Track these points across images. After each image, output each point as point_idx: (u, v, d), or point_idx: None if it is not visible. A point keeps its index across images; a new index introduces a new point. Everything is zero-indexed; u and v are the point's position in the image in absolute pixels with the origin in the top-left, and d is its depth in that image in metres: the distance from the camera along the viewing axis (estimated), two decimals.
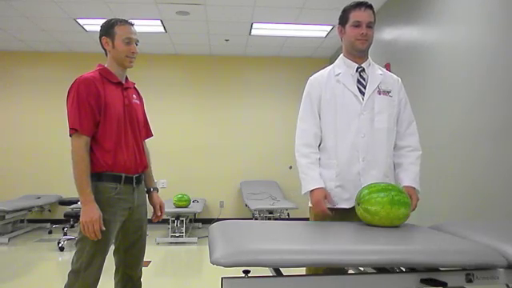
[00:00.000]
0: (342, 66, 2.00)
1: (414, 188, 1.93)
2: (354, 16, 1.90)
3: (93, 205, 1.82)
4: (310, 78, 2.06)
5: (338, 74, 1.98)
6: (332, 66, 2.05)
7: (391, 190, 1.68)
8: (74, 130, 1.87)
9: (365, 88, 1.94)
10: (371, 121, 1.90)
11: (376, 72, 1.99)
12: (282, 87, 7.12)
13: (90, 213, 1.80)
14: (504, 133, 2.75)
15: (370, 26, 1.90)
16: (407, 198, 1.71)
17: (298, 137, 2.00)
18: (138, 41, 2.03)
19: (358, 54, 1.96)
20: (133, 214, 2.02)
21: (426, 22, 3.83)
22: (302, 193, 1.93)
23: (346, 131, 1.91)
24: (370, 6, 1.92)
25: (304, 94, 2.03)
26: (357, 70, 1.97)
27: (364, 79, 1.96)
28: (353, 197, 1.82)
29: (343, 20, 1.96)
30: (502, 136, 2.77)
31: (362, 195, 1.70)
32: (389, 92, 1.95)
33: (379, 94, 1.94)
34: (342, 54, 2.04)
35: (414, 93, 4.04)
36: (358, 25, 1.90)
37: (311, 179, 1.88)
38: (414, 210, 1.85)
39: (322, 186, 1.87)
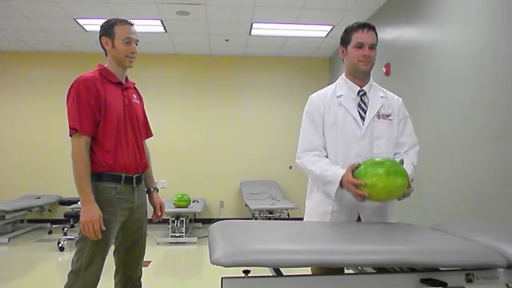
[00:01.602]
0: (344, 87, 1.97)
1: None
2: (357, 37, 1.88)
3: (93, 205, 1.82)
4: (312, 96, 2.02)
5: (339, 96, 1.95)
6: (334, 85, 2.02)
7: (386, 162, 1.67)
8: (73, 130, 1.87)
9: (365, 113, 1.92)
10: (370, 147, 1.89)
11: (377, 95, 1.96)
12: (282, 87, 7.12)
13: (90, 213, 1.80)
14: (504, 132, 2.75)
15: (372, 47, 1.89)
16: (403, 169, 1.67)
17: (305, 154, 1.93)
18: (137, 40, 2.04)
19: (360, 76, 1.94)
20: (133, 214, 2.02)
21: (426, 21, 3.83)
22: (335, 192, 1.78)
23: (345, 156, 1.88)
24: (372, 28, 1.90)
25: (306, 111, 1.99)
26: (358, 94, 1.94)
27: (365, 103, 1.93)
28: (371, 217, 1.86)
29: (345, 41, 1.93)
30: (502, 135, 2.77)
31: (358, 171, 1.69)
32: (389, 115, 1.93)
33: (379, 118, 1.91)
34: (343, 74, 2.02)
35: (414, 92, 4.04)
36: (360, 46, 1.88)
37: (335, 170, 1.80)
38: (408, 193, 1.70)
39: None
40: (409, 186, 1.67)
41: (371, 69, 1.93)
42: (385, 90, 2.03)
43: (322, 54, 6.89)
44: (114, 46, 1.99)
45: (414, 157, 1.96)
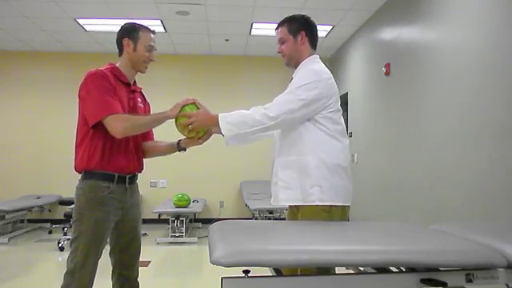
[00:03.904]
0: None
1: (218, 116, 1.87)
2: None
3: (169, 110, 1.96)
4: None
5: None
6: None
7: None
8: (104, 116, 1.84)
9: None
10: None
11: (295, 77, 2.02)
12: (282, 87, 7.01)
13: (174, 110, 1.96)
14: (504, 132, 2.75)
15: (282, 41, 2.04)
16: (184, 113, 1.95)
17: None
18: (156, 49, 2.08)
19: (289, 67, 2.10)
20: (126, 215, 2.02)
21: (426, 21, 3.84)
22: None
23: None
24: (281, 24, 2.07)
25: None
26: (290, 81, 2.05)
27: None
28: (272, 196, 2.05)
29: None
30: (502, 135, 2.77)
31: None
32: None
33: None
34: None
35: (414, 92, 4.04)
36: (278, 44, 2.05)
37: None
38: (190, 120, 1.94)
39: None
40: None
41: (290, 60, 2.06)
42: (314, 65, 2.03)
43: (322, 53, 6.77)
44: (135, 50, 2.00)
45: (248, 116, 1.85)
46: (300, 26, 2.05)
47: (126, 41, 2.01)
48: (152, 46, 2.03)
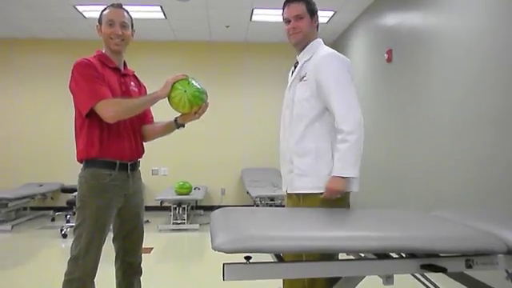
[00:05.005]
0: None
1: (335, 176, 1.79)
2: (284, 14, 1.98)
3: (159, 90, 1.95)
4: None
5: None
6: None
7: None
8: (94, 103, 1.84)
9: None
10: (291, 111, 1.96)
11: (304, 59, 1.98)
12: (284, 74, 7.02)
13: (164, 89, 1.98)
14: (503, 119, 2.74)
15: (299, 17, 1.94)
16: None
17: None
18: (125, 23, 1.99)
19: (296, 48, 2.02)
20: (129, 202, 2.03)
21: (429, 7, 3.79)
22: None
23: (281, 125, 2.04)
24: (297, 0, 1.94)
25: None
26: (295, 66, 2.01)
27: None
28: (284, 184, 2.00)
29: (284, 20, 2.02)
30: (502, 123, 2.76)
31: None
32: (303, 77, 1.93)
33: (300, 81, 1.95)
34: None
35: (415, 79, 4.01)
36: (287, 21, 1.96)
37: None
38: (326, 196, 1.79)
39: None
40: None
41: (304, 38, 1.97)
42: (325, 48, 1.98)
43: (323, 39, 6.81)
44: (101, 31, 1.99)
45: (344, 150, 1.78)
46: (315, 9, 2.02)
47: (97, 27, 2.01)
48: (113, 20, 1.96)
